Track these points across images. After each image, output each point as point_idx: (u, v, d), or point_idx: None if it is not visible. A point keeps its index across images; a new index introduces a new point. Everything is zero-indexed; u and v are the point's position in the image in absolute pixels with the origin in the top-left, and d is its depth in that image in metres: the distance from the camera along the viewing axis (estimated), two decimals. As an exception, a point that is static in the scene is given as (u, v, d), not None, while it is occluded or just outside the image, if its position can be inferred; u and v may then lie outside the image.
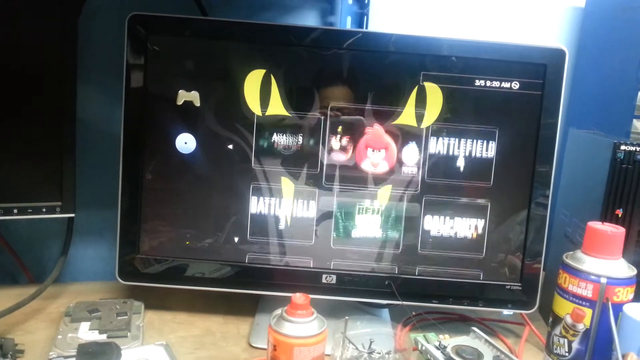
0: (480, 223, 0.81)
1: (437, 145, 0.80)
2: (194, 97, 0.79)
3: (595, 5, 1.09)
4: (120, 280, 0.82)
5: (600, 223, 0.71)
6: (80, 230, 0.92)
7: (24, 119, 0.75)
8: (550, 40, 1.11)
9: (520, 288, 0.81)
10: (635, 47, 0.96)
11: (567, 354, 0.71)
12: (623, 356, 0.63)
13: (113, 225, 0.82)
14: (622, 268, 0.69)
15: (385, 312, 0.89)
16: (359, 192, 0.80)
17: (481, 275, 0.82)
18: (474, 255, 0.82)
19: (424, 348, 0.72)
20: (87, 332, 0.74)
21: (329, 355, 0.71)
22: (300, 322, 0.64)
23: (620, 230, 0.69)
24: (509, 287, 0.81)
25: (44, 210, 0.77)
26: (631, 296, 0.68)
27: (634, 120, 0.98)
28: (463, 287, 0.81)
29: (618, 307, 0.67)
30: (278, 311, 0.67)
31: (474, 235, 0.81)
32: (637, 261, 0.75)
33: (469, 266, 0.82)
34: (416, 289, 0.81)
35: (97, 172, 0.93)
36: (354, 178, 0.80)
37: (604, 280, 0.67)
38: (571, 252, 0.73)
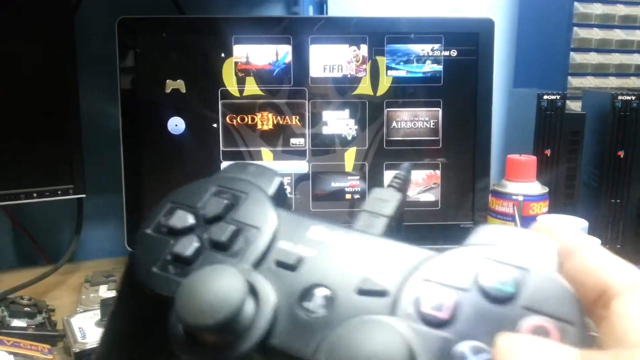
0: (435, 174, 0.95)
1: (393, 110, 0.93)
2: (180, 85, 0.91)
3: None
4: (130, 249, 0.94)
5: (518, 155, 0.85)
6: (88, 215, 1.04)
7: (36, 115, 0.87)
8: (494, 9, 1.23)
9: (472, 225, 0.95)
10: (565, 11, 1.10)
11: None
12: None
13: (118, 207, 0.94)
14: (535, 188, 0.83)
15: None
16: (329, 156, 0.94)
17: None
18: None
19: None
20: (106, 292, 0.87)
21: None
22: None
23: (532, 158, 0.83)
24: (462, 225, 0.95)
25: (59, 192, 0.89)
26: (545, 209, 0.82)
27: (569, 77, 1.13)
28: (423, 230, 0.95)
29: (533, 219, 0.81)
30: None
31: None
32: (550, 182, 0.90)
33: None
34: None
35: (99, 160, 1.05)
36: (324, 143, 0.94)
37: (520, 198, 0.81)
38: (497, 182, 0.87)
